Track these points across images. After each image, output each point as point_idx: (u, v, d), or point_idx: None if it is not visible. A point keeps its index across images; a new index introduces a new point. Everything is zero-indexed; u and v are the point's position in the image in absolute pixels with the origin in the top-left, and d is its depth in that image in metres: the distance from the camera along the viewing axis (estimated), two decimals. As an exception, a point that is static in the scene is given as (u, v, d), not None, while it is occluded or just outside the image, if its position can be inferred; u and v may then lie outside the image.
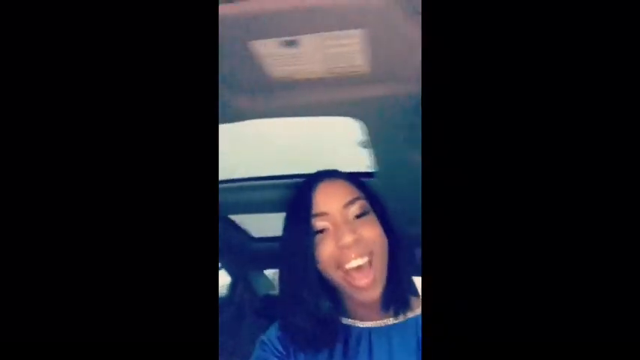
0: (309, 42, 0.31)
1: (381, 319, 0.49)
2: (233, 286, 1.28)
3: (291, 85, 0.37)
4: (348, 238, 0.42)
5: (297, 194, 0.49)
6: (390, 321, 0.48)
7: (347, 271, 0.44)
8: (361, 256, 0.43)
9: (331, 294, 0.48)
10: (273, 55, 0.33)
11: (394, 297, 0.47)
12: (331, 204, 0.45)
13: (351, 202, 0.45)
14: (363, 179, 0.70)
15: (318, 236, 0.45)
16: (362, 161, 0.63)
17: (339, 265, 0.44)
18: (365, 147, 0.54)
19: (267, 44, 0.31)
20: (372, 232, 0.45)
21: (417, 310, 0.49)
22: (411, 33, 0.30)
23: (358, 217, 0.45)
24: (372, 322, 0.49)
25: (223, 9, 0.28)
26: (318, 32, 0.30)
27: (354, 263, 0.43)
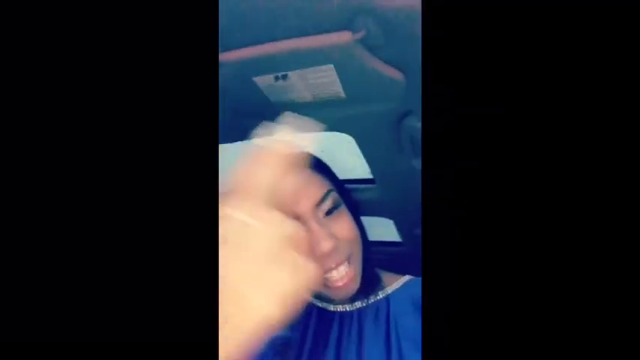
0: (295, 76, 0.41)
1: (351, 303, 0.47)
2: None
3: (286, 107, 0.47)
4: (325, 246, 0.39)
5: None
6: (359, 305, 0.46)
7: (326, 278, 0.41)
8: (341, 263, 0.41)
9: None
10: (270, 86, 0.43)
11: (365, 283, 0.45)
12: (301, 205, 0.41)
13: (323, 199, 0.41)
14: (360, 185, 0.77)
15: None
16: (360, 170, 0.71)
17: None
18: (359, 157, 0.62)
19: (264, 78, 0.42)
20: (346, 229, 0.42)
21: (387, 290, 0.47)
22: (374, 63, 0.39)
23: (328, 212, 0.42)
24: (341, 307, 0.47)
25: (225, 55, 0.38)
26: (301, 69, 0.39)
27: (335, 273, 0.41)
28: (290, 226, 0.30)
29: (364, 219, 0.87)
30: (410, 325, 0.42)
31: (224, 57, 0.37)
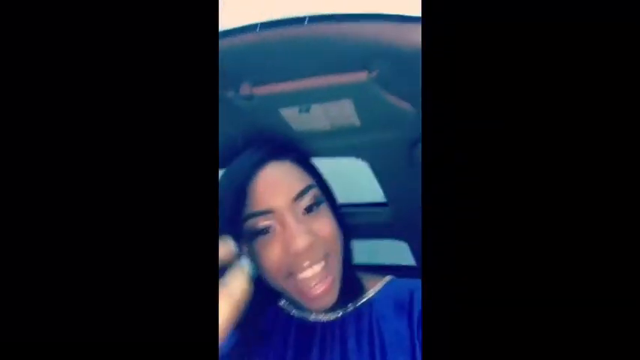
0: (315, 108, 0.46)
1: (332, 311, 0.42)
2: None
3: (308, 136, 0.52)
4: (300, 243, 0.35)
5: (231, 181, 0.38)
6: (340, 313, 0.42)
7: (300, 280, 0.37)
8: (317, 262, 0.36)
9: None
10: (294, 118, 0.48)
11: (346, 288, 0.41)
12: (278, 197, 0.36)
13: (302, 194, 0.37)
14: (373, 209, 0.81)
15: (261, 239, 0.36)
16: (374, 194, 0.75)
17: (291, 274, 0.37)
18: (372, 181, 0.67)
19: (289, 111, 0.47)
20: (326, 228, 0.37)
21: (369, 293, 0.43)
22: (387, 97, 0.44)
23: (309, 209, 0.37)
24: (323, 316, 0.42)
25: (259, 89, 0.43)
26: (322, 103, 0.45)
27: (309, 272, 0.36)
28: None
29: (378, 242, 0.90)
30: (393, 329, 0.39)
31: (256, 90, 0.43)
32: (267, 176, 0.38)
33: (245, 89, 0.44)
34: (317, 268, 0.37)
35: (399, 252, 0.90)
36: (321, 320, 0.43)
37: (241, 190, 0.36)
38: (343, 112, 0.46)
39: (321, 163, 0.48)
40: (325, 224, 0.38)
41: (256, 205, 0.36)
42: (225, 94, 0.43)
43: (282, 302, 0.48)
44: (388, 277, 0.45)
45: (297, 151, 0.42)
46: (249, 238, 0.37)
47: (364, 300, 0.43)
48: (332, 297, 0.38)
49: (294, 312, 0.46)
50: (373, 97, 0.43)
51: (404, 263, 0.94)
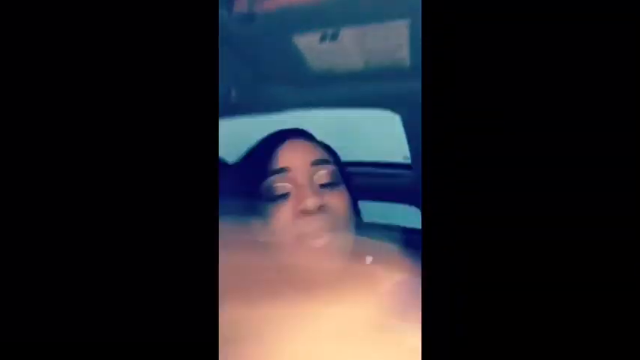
0: (349, 35, 0.31)
1: None
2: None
3: (330, 78, 0.38)
4: (311, 203, 0.34)
5: (255, 151, 0.40)
6: None
7: (306, 242, 0.35)
8: (324, 230, 0.35)
9: None
10: (313, 50, 0.33)
11: None
12: (296, 159, 0.37)
13: (320, 163, 0.37)
14: (399, 170, 0.70)
15: (276, 203, 0.36)
16: (398, 153, 0.63)
17: (299, 238, 0.35)
18: (401, 139, 0.54)
19: (306, 38, 0.32)
20: (341, 208, 0.36)
21: None
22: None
23: (326, 186, 0.37)
24: None
25: (263, 4, 0.28)
26: (359, 24, 0.30)
27: (317, 239, 0.35)
28: None
29: (391, 205, 0.80)
30: None
31: (259, 5, 0.28)
32: (289, 144, 0.38)
33: (241, 3, 0.29)
34: (325, 235, 0.35)
35: (409, 215, 0.82)
36: None
37: (265, 156, 0.37)
38: (388, 43, 0.31)
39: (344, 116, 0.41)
40: (340, 204, 0.37)
41: (275, 165, 0.36)
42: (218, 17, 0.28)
43: None
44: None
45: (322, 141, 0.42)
46: (265, 204, 0.36)
47: None
48: (334, 255, 0.35)
49: None
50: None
51: (410, 226, 0.87)
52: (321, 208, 0.35)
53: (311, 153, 0.37)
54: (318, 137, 0.41)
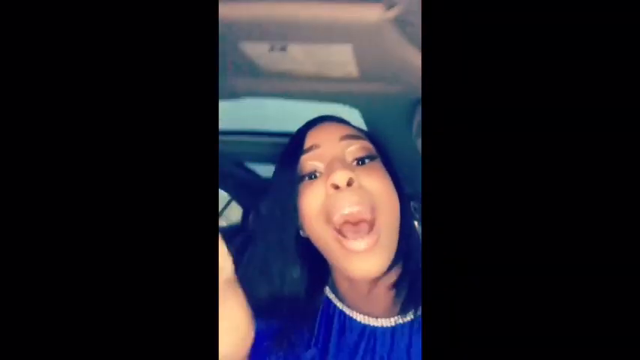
0: (298, 50, 0.31)
1: (383, 313, 0.35)
2: (244, 216, 1.36)
3: (284, 77, 0.37)
4: (340, 174, 0.31)
5: (292, 138, 0.39)
6: (398, 320, 0.34)
7: (340, 227, 0.32)
8: (358, 204, 0.32)
9: (315, 265, 0.37)
10: (265, 57, 0.33)
11: (404, 283, 0.34)
12: (325, 137, 0.35)
13: (351, 137, 0.35)
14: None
15: (306, 183, 0.34)
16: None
17: (329, 218, 0.33)
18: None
19: (257, 47, 0.31)
20: (376, 182, 0.33)
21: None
22: (406, 51, 0.29)
23: (360, 162, 0.34)
24: (373, 320, 0.35)
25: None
26: (308, 42, 0.29)
27: (348, 213, 0.31)
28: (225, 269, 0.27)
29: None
30: None
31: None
32: (320, 126, 0.37)
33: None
34: (357, 210, 0.32)
35: None
36: (371, 325, 0.35)
37: (299, 137, 0.36)
38: (337, 59, 0.31)
39: (303, 108, 0.40)
40: (375, 179, 0.33)
41: (306, 144, 0.35)
42: None
43: (326, 289, 0.40)
44: None
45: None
46: (298, 184, 0.35)
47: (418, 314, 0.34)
48: (376, 262, 0.31)
49: (338, 304, 0.38)
50: (382, 44, 0.29)
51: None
52: (350, 182, 0.32)
53: (340, 129, 0.36)
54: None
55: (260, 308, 0.32)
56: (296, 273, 0.37)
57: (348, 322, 0.36)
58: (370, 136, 0.39)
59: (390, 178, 0.35)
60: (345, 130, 0.36)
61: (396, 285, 0.34)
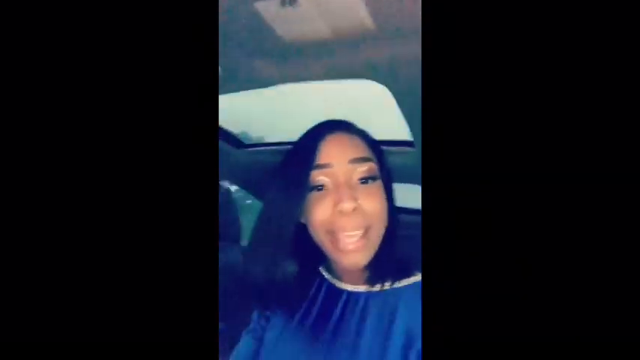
0: (309, 3, 0.30)
1: (369, 286, 0.43)
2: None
3: (298, 45, 0.37)
4: (347, 205, 0.37)
5: (300, 142, 0.43)
6: (367, 288, 0.43)
7: (338, 239, 0.39)
8: (357, 229, 0.39)
9: (314, 252, 0.44)
10: (277, 16, 0.33)
11: (381, 268, 0.42)
12: (337, 156, 0.40)
13: (360, 160, 0.40)
14: (395, 147, 0.66)
15: (315, 194, 0.40)
16: (399, 129, 0.60)
17: (330, 231, 0.40)
18: (396, 112, 0.51)
19: (268, 4, 0.31)
20: (374, 203, 0.40)
21: (401, 282, 0.43)
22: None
23: (363, 181, 0.40)
24: (363, 287, 0.44)
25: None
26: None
27: (347, 238, 0.39)
28: None
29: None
30: (414, 324, 0.40)
31: None
32: (333, 139, 0.41)
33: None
34: (356, 233, 0.39)
35: (412, 195, 0.79)
36: (350, 289, 0.45)
37: (310, 146, 0.41)
38: (349, 9, 0.30)
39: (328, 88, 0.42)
40: (374, 200, 0.40)
41: (318, 160, 0.40)
42: None
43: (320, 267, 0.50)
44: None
45: (361, 129, 0.45)
46: (306, 193, 0.41)
47: (394, 286, 0.43)
48: (363, 257, 0.40)
49: (326, 275, 0.48)
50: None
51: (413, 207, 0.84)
52: (356, 210, 0.38)
53: (351, 149, 0.41)
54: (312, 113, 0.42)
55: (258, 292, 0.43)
56: (292, 264, 0.44)
57: (331, 288, 0.47)
58: (376, 152, 0.43)
59: (385, 197, 0.41)
60: (355, 152, 0.40)
61: (373, 269, 0.42)
